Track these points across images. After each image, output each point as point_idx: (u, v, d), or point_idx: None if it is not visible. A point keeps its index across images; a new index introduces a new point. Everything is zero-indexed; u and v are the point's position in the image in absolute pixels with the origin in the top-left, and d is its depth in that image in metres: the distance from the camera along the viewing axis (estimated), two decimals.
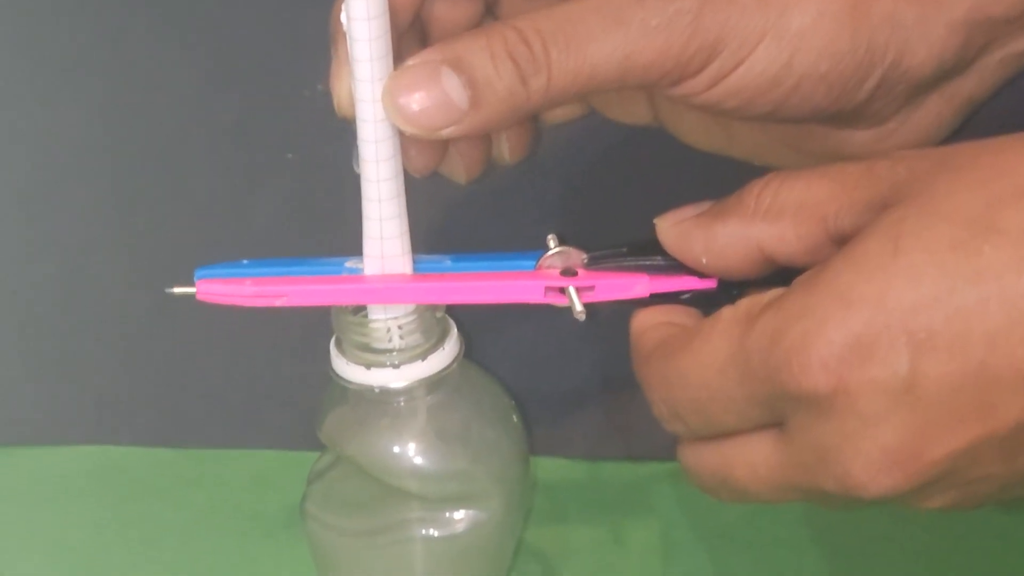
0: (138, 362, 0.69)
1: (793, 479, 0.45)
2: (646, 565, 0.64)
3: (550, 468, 0.67)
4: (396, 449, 0.54)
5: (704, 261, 0.48)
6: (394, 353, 0.52)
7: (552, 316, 0.53)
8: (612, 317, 0.51)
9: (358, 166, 0.49)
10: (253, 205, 0.66)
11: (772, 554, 0.64)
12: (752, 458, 0.45)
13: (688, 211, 0.49)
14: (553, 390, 0.67)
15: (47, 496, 0.68)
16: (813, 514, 0.64)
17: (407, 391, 0.53)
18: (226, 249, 0.60)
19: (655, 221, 0.50)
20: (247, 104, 0.65)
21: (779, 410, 0.44)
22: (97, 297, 0.68)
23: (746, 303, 0.45)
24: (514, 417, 0.57)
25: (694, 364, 0.45)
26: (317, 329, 0.53)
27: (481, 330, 0.56)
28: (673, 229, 0.49)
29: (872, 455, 0.42)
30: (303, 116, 0.64)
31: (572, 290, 0.51)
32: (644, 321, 0.50)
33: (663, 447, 0.56)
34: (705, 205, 0.49)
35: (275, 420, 0.69)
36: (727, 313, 0.45)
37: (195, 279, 0.50)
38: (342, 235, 0.52)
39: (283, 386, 0.68)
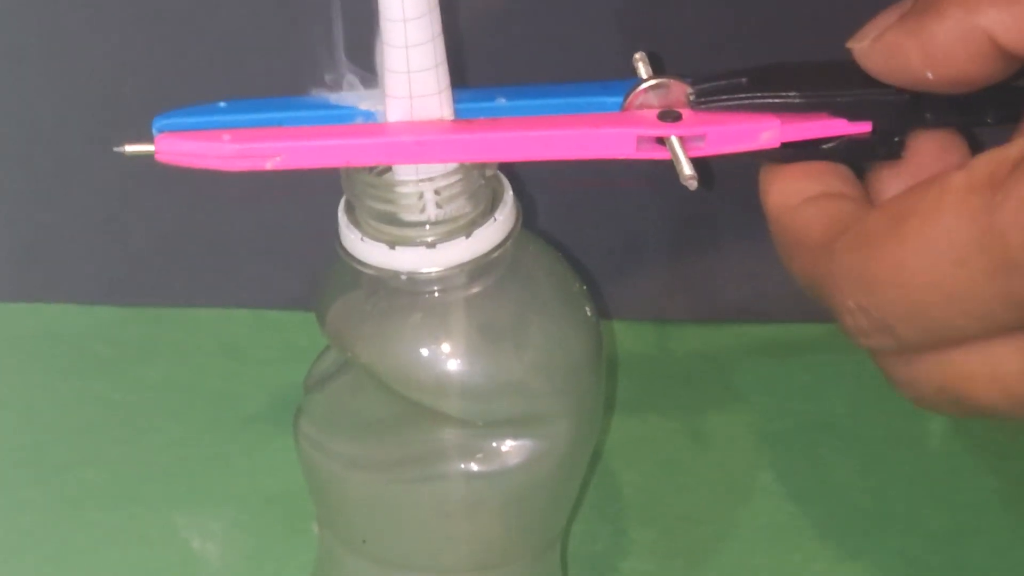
0: (74, 197, 0.61)
1: None
2: (728, 462, 0.57)
3: (608, 333, 0.61)
4: (428, 353, 0.43)
5: (930, 76, 0.40)
6: (428, 227, 0.42)
7: None
8: None
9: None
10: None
11: (884, 453, 0.57)
12: (1001, 371, 0.38)
13: (887, 19, 0.41)
14: (612, 238, 0.61)
15: None
16: None
17: (445, 278, 0.43)
18: (189, 69, 0.56)
19: (848, 46, 0.41)
20: None
21: None
22: (19, 121, 0.59)
23: (985, 162, 0.36)
24: (587, 308, 0.46)
25: (916, 256, 0.37)
26: None
27: (528, 166, 0.46)
28: (877, 47, 0.40)
29: None
30: None
31: (676, 141, 0.41)
32: (791, 192, 0.42)
33: (738, 305, 0.55)
34: (903, 7, 0.40)
35: (248, 271, 0.62)
36: (958, 179, 0.37)
37: (154, 131, 0.41)
38: (358, 56, 0.42)
39: (261, 227, 0.61)
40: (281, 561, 0.54)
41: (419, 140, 0.41)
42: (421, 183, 0.41)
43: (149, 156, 0.40)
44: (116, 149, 0.40)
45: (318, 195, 0.44)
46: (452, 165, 0.42)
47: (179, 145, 0.40)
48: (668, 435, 0.57)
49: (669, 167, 0.42)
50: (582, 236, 0.58)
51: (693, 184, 0.40)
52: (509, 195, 0.43)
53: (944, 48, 0.39)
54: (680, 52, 0.44)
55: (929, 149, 0.42)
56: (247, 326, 0.61)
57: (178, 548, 0.54)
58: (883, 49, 0.40)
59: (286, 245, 0.59)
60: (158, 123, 0.41)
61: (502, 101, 0.43)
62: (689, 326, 0.61)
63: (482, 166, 0.42)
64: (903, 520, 0.55)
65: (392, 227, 0.42)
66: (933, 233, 0.37)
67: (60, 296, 0.62)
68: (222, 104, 0.42)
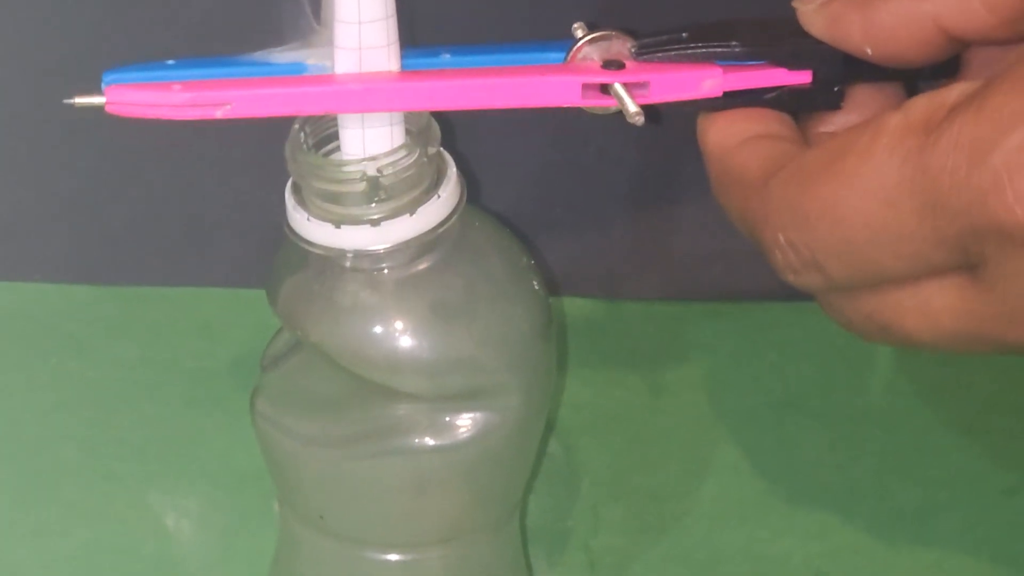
0: (48, 178, 0.59)
1: (989, 332, 0.37)
2: (697, 439, 0.56)
3: (567, 311, 0.60)
4: (378, 330, 0.42)
5: (869, 52, 0.40)
6: (372, 206, 0.41)
7: (564, 124, 0.47)
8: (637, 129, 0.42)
9: None
10: None
11: (852, 430, 0.57)
12: (930, 306, 0.38)
13: None
14: (567, 217, 0.59)
15: None
16: (904, 383, 0.58)
17: (391, 256, 0.42)
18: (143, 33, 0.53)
19: (793, 3, 0.41)
20: None
21: (975, 251, 0.36)
22: None
23: (922, 105, 0.36)
24: (534, 282, 0.45)
25: (848, 193, 0.37)
26: (276, 133, 0.43)
27: (475, 144, 0.47)
28: (822, 12, 0.40)
29: None
30: None
31: (619, 87, 0.41)
32: (731, 133, 0.42)
33: (706, 283, 0.53)
34: None
35: (223, 250, 0.61)
36: (894, 121, 0.37)
37: (103, 84, 0.40)
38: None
39: (232, 207, 0.60)
40: (255, 538, 0.53)
41: (367, 88, 0.40)
42: (364, 162, 0.41)
43: (100, 110, 0.39)
44: (66, 101, 0.39)
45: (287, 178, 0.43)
46: (399, 134, 0.41)
47: (129, 95, 0.40)
48: (637, 412, 0.57)
49: (631, 145, 0.42)
50: (548, 215, 0.58)
51: (639, 120, 0.40)
52: (453, 171, 0.42)
53: (887, 29, 0.39)
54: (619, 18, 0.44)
55: (868, 100, 0.42)
56: (222, 305, 0.60)
57: (152, 526, 0.54)
58: (827, 17, 0.40)
59: (261, 224, 0.56)
60: (108, 77, 0.40)
61: (447, 57, 0.42)
62: (658, 304, 0.60)
63: (425, 143, 0.41)
64: (871, 496, 0.54)
65: (337, 206, 0.41)
66: (866, 172, 0.36)
67: (34, 275, 0.61)
68: (170, 61, 0.41)
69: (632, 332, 0.60)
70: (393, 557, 0.46)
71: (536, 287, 0.45)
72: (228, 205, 0.60)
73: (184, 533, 0.54)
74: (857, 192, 0.37)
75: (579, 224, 0.59)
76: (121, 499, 0.54)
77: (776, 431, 0.56)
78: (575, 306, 0.60)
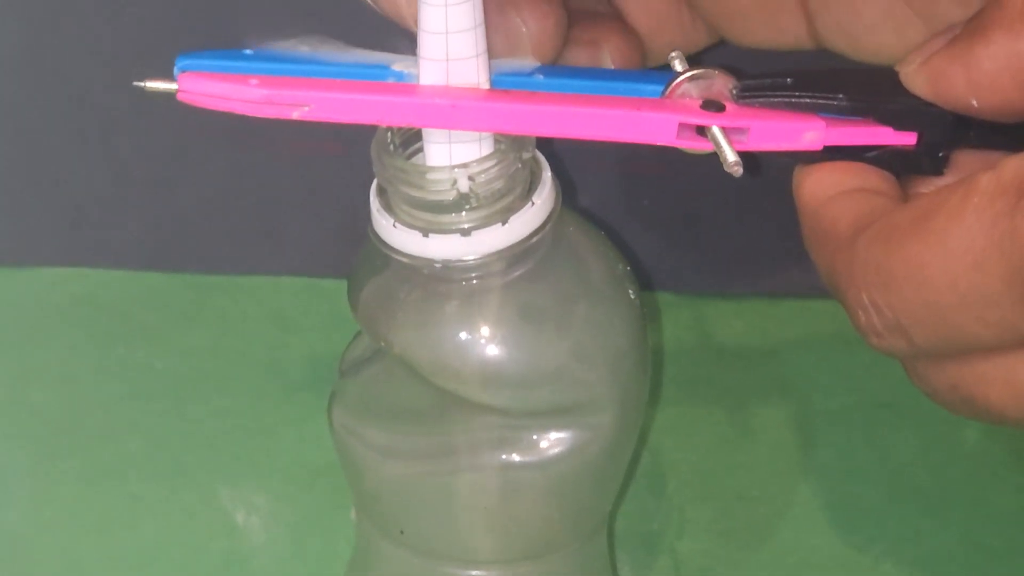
0: (121, 164, 0.58)
1: None
2: (786, 440, 0.55)
3: (663, 308, 0.58)
4: (465, 343, 0.40)
5: (975, 103, 0.38)
6: (463, 213, 0.39)
7: None
8: None
9: None
10: None
11: (946, 432, 0.55)
12: (1017, 379, 0.36)
13: (935, 43, 0.39)
14: (654, 209, 0.57)
15: (3, 333, 0.59)
16: None
17: (482, 265, 0.40)
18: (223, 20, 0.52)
19: (896, 68, 0.39)
20: None
21: None
22: (65, 82, 0.57)
23: (1015, 165, 0.35)
24: (630, 291, 0.43)
25: (935, 254, 0.35)
26: None
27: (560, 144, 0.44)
28: (923, 72, 0.38)
29: None
30: None
31: (718, 131, 0.39)
32: (826, 185, 0.40)
33: (797, 280, 0.52)
34: (954, 29, 0.38)
35: (296, 238, 0.59)
36: (986, 181, 0.35)
37: (176, 71, 0.38)
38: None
39: (309, 193, 0.58)
40: (327, 536, 0.52)
41: (454, 104, 0.38)
42: (455, 169, 0.39)
43: (172, 96, 0.38)
44: (136, 83, 0.38)
45: (368, 162, 0.42)
46: (487, 147, 0.39)
47: (204, 85, 0.38)
48: (724, 412, 0.55)
49: None
50: (635, 208, 0.56)
51: (738, 171, 0.38)
52: (548, 176, 0.40)
53: (989, 76, 0.37)
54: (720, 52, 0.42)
55: (973, 168, 0.40)
56: (295, 294, 0.59)
57: (222, 521, 0.53)
58: (929, 74, 0.39)
59: (335, 212, 0.57)
60: (181, 63, 0.38)
61: (539, 77, 0.40)
62: (747, 301, 0.58)
63: (520, 146, 0.39)
64: (966, 501, 0.53)
65: (425, 213, 0.39)
66: (954, 233, 0.35)
67: (104, 261, 0.60)
68: (248, 51, 0.39)
69: (720, 329, 0.58)
70: (476, 573, 0.45)
71: (632, 296, 0.43)
72: (303, 193, 0.58)
73: (254, 529, 0.53)
74: (944, 253, 0.35)
75: (667, 217, 0.58)
76: (190, 493, 0.53)
77: (868, 432, 0.55)
78: (661, 301, 0.58)
